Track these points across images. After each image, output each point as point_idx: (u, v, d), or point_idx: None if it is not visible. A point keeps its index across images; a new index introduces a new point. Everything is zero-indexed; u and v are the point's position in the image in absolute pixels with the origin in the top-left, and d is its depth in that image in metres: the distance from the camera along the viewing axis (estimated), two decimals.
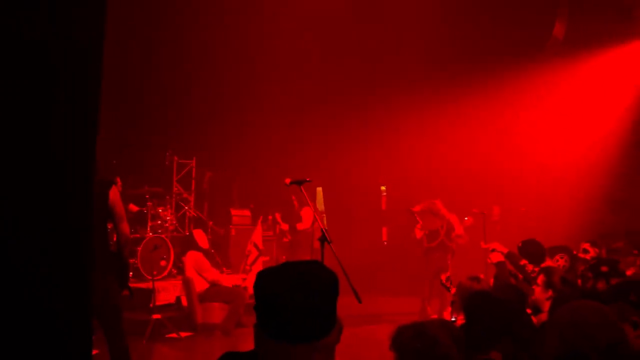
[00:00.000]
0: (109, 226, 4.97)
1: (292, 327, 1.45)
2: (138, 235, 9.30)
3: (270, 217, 11.03)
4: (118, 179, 9.68)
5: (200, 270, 8.28)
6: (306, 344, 1.46)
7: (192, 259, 8.34)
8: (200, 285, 8.22)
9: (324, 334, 1.48)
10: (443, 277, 5.29)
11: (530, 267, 4.82)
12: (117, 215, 4.76)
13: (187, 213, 10.95)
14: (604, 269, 4.82)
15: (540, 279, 4.03)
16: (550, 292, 3.96)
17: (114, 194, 4.76)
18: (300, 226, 9.73)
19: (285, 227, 9.92)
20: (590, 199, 10.35)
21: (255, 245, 9.82)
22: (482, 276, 4.22)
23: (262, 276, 1.56)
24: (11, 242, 1.65)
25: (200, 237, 8.63)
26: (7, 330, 1.61)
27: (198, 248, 8.49)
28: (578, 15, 10.43)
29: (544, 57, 10.89)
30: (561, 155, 10.96)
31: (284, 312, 1.45)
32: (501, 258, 5.01)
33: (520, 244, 5.60)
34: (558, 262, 5.74)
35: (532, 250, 5.45)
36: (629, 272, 4.67)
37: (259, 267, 9.54)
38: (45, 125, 1.75)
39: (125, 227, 4.83)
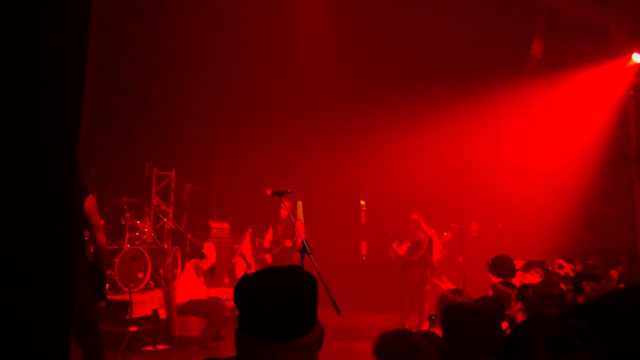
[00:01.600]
0: (87, 236, 4.93)
1: (271, 325, 1.47)
2: (115, 247, 9.20)
3: (250, 230, 10.98)
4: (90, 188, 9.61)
5: (199, 268, 8.41)
6: (285, 343, 1.47)
7: (193, 265, 8.48)
8: (180, 298, 8.20)
9: (303, 332, 1.49)
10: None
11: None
12: (92, 224, 4.73)
13: (166, 225, 10.87)
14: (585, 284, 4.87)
15: (515, 292, 4.05)
16: (520, 304, 3.97)
17: (90, 203, 4.72)
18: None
19: (289, 243, 9.82)
20: (566, 215, 10.51)
21: (243, 257, 9.76)
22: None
23: (243, 279, 1.59)
24: None
25: (210, 250, 8.67)
26: None
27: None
28: (556, 36, 10.64)
29: (522, 75, 11.07)
30: (538, 171, 11.12)
31: (263, 311, 1.47)
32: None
33: (490, 261, 5.64)
34: (533, 276, 5.79)
35: (503, 266, 5.51)
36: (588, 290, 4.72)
37: None
38: (26, 131, 1.75)
39: (101, 237, 4.79)
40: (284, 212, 9.75)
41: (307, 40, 11.11)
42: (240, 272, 9.67)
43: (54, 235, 1.76)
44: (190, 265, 8.58)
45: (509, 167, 11.42)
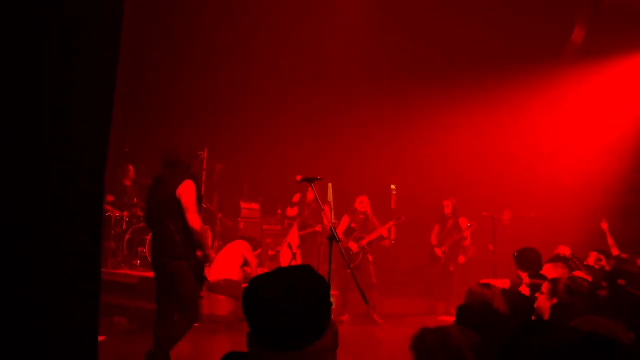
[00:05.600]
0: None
1: (279, 335, 1.42)
2: None
3: (279, 212, 11.03)
4: (130, 167, 9.73)
5: (248, 256, 8.57)
6: (297, 352, 1.42)
7: (242, 245, 8.67)
8: (213, 275, 8.32)
9: (313, 339, 1.44)
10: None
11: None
12: (183, 206, 5.07)
13: None
14: (621, 281, 4.71)
15: (545, 286, 3.98)
16: (554, 300, 3.91)
17: (184, 187, 5.09)
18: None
19: (319, 229, 9.85)
20: (600, 206, 10.28)
21: (290, 246, 9.78)
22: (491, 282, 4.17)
23: (251, 284, 1.52)
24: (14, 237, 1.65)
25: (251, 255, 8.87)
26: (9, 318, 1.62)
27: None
28: (597, 22, 10.35)
29: (561, 61, 10.82)
30: (573, 160, 10.90)
31: (271, 319, 1.42)
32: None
33: (516, 253, 5.53)
34: (563, 270, 5.65)
35: (529, 258, 5.39)
36: None
37: None
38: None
39: (190, 219, 5.08)
40: (310, 196, 9.79)
41: (340, 25, 10.99)
42: (285, 262, 9.68)
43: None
44: (235, 245, 8.67)
45: (544, 156, 11.21)
